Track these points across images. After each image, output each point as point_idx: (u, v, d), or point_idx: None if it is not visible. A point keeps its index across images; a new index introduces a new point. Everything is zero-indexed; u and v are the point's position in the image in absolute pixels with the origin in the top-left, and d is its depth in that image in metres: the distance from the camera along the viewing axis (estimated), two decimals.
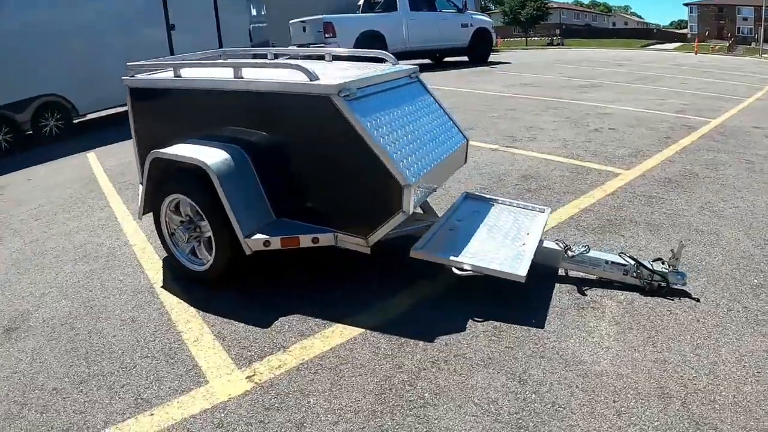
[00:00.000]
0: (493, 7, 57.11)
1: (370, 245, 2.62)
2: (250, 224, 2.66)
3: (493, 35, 15.25)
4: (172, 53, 9.13)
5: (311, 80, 2.49)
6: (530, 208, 3.23)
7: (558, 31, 47.94)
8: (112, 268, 3.39)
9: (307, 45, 12.16)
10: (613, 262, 2.72)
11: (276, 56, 3.99)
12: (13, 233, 4.23)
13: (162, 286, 3.09)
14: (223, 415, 2.04)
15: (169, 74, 3.09)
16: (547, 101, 8.40)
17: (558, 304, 2.64)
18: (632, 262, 2.67)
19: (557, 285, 2.81)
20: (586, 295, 2.71)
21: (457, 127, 3.22)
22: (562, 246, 2.77)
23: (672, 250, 2.67)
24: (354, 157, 2.48)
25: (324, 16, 11.98)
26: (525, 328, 2.45)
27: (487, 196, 3.37)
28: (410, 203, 2.44)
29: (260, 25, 11.20)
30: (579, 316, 2.53)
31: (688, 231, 3.46)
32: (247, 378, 2.25)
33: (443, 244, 2.72)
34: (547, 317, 2.53)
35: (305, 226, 2.73)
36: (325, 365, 2.29)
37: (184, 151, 2.75)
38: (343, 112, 2.42)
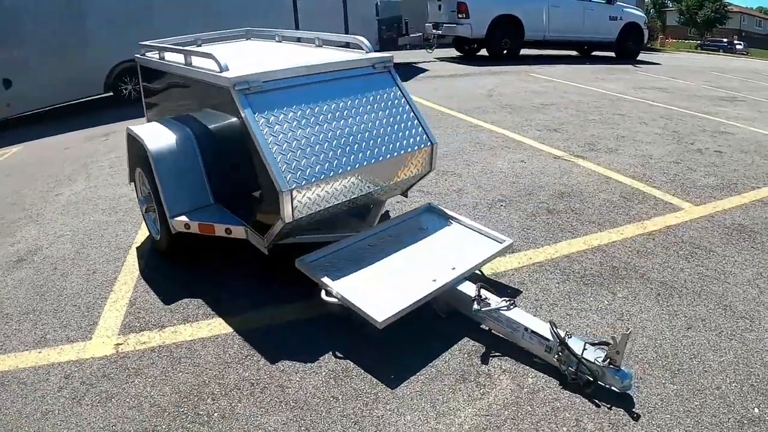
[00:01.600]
0: (669, 4, 51.32)
1: (267, 247, 2.57)
2: (178, 206, 2.80)
3: (645, 31, 13.03)
4: (297, 27, 9.75)
5: (220, 71, 2.48)
6: (489, 236, 2.79)
7: (735, 37, 39.84)
8: (119, 223, 3.89)
9: (440, 24, 11.89)
10: (533, 332, 2.10)
11: (281, 39, 4.00)
12: (86, 177, 5.10)
13: (138, 248, 3.45)
14: (75, 369, 2.28)
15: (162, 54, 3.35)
16: (667, 110, 6.98)
17: (440, 364, 2.18)
18: (556, 340, 2.01)
19: (465, 339, 2.32)
20: (487, 364, 2.16)
21: (424, 128, 2.89)
22: (474, 293, 2.29)
23: (613, 338, 1.92)
24: (252, 155, 2.43)
25: None
26: (374, 381, 2.11)
27: (448, 213, 3.00)
28: (288, 211, 2.32)
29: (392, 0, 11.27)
30: (448, 389, 2.05)
31: (715, 306, 2.55)
32: (115, 345, 2.44)
33: (338, 262, 2.53)
34: (411, 377, 2.11)
35: (228, 216, 2.78)
36: (173, 354, 2.36)
37: (141, 130, 2.98)
38: (237, 106, 2.38)
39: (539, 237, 3.25)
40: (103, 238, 3.66)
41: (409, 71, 10.43)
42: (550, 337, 2.05)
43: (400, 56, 12.37)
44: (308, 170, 2.39)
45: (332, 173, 2.46)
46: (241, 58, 3.18)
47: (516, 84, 8.70)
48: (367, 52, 3.03)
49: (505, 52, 11.81)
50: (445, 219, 2.96)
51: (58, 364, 2.32)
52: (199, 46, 3.95)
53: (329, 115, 2.58)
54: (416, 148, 2.81)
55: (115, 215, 4.05)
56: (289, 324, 2.52)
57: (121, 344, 2.45)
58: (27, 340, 2.52)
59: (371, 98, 2.79)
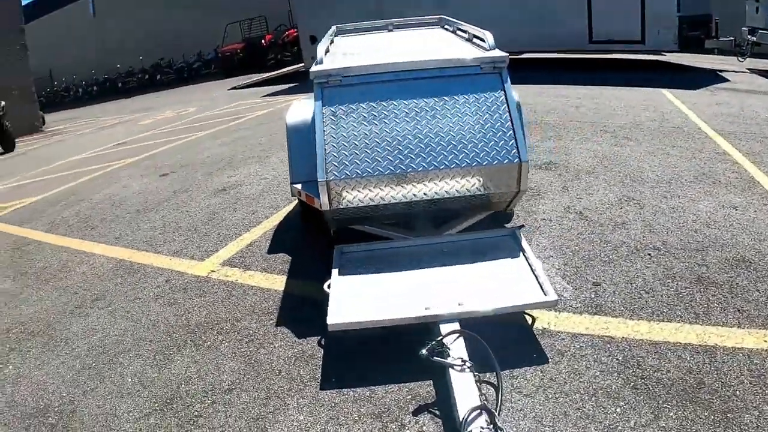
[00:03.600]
0: None
1: (332, 229, 2.83)
2: (297, 175, 3.10)
3: None
4: (590, 22, 9.14)
5: (315, 63, 2.73)
6: (541, 285, 2.25)
7: None
8: None
9: (756, 30, 9.17)
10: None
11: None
12: None
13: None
14: (175, 277, 3.11)
15: None
16: None
17: (378, 391, 2.05)
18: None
19: (426, 383, 1.96)
20: (414, 416, 1.92)
21: (516, 142, 2.53)
22: (440, 337, 2.00)
23: None
24: None
25: None
26: (317, 376, 2.15)
27: (524, 245, 2.57)
28: (324, 200, 2.49)
29: None
30: (354, 414, 1.96)
31: None
32: (210, 271, 3.17)
33: (371, 260, 2.56)
34: (344, 389, 2.08)
35: None
36: (231, 291, 2.91)
37: (291, 106, 3.50)
38: (315, 97, 2.61)
39: (651, 307, 2.46)
40: (281, 187, 4.49)
41: (701, 78, 8.45)
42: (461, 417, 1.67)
43: (703, 60, 10.06)
44: (353, 166, 2.46)
45: (378, 173, 2.46)
46: (371, 50, 3.34)
47: None
48: (486, 50, 2.78)
49: None
50: (518, 251, 2.57)
51: (170, 270, 3.16)
52: (390, 31, 4.25)
53: (402, 115, 2.55)
54: (495, 162, 2.49)
55: None
56: (318, 303, 2.72)
57: (213, 272, 3.12)
58: (171, 248, 3.48)
59: (464, 101, 2.58)
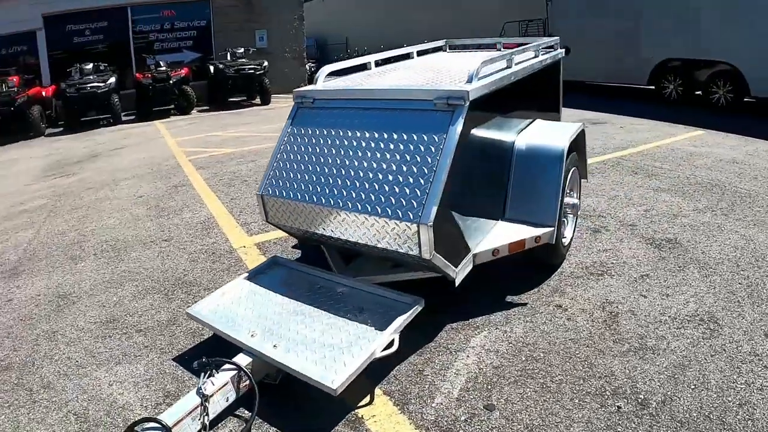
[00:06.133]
0: None
1: None
2: None
3: None
4: None
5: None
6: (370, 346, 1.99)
7: None
8: None
9: None
10: None
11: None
12: None
13: None
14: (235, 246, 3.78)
15: None
16: None
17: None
18: None
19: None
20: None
21: (427, 198, 2.11)
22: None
23: None
24: None
25: None
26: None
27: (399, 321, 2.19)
28: (261, 211, 2.67)
29: None
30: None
31: None
32: (255, 243, 3.69)
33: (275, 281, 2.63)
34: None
35: None
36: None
37: None
38: (288, 115, 2.77)
39: None
40: None
41: None
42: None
43: None
44: (283, 187, 2.55)
45: (297, 199, 2.47)
46: (378, 74, 3.21)
47: None
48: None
49: None
50: (386, 326, 2.17)
51: (224, 243, 3.82)
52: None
53: (346, 145, 2.47)
54: (394, 216, 2.17)
55: None
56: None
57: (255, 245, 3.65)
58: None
59: (405, 139, 2.31)
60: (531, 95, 3.24)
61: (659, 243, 3.28)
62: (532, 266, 2.97)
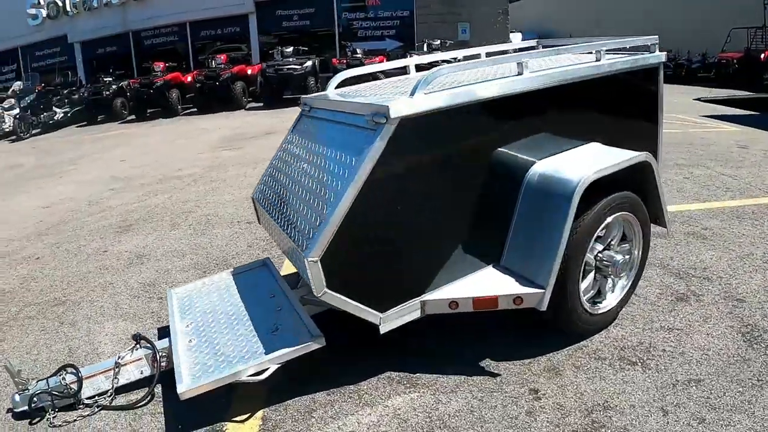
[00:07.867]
0: None
1: None
2: None
3: None
4: None
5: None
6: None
7: None
8: None
9: None
10: None
11: None
12: None
13: None
14: None
15: None
16: None
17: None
18: None
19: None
20: None
21: (315, 228, 1.90)
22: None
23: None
24: None
25: None
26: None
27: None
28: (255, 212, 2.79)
29: None
30: None
31: None
32: None
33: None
34: None
35: None
36: None
37: None
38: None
39: None
40: None
41: None
42: None
43: None
44: (264, 193, 2.64)
45: (264, 207, 2.53)
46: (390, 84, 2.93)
47: None
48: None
49: None
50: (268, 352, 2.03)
51: None
52: None
53: (300, 155, 2.42)
54: (297, 244, 1.97)
55: None
56: None
57: None
58: None
59: (336, 157, 2.07)
60: (584, 110, 2.52)
61: (758, 336, 2.27)
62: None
